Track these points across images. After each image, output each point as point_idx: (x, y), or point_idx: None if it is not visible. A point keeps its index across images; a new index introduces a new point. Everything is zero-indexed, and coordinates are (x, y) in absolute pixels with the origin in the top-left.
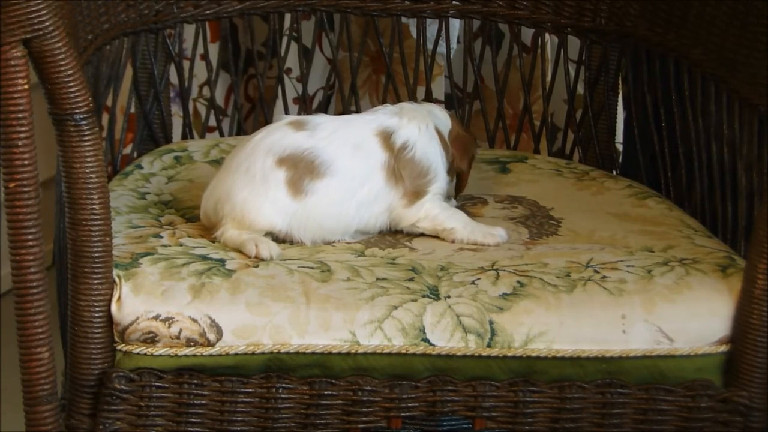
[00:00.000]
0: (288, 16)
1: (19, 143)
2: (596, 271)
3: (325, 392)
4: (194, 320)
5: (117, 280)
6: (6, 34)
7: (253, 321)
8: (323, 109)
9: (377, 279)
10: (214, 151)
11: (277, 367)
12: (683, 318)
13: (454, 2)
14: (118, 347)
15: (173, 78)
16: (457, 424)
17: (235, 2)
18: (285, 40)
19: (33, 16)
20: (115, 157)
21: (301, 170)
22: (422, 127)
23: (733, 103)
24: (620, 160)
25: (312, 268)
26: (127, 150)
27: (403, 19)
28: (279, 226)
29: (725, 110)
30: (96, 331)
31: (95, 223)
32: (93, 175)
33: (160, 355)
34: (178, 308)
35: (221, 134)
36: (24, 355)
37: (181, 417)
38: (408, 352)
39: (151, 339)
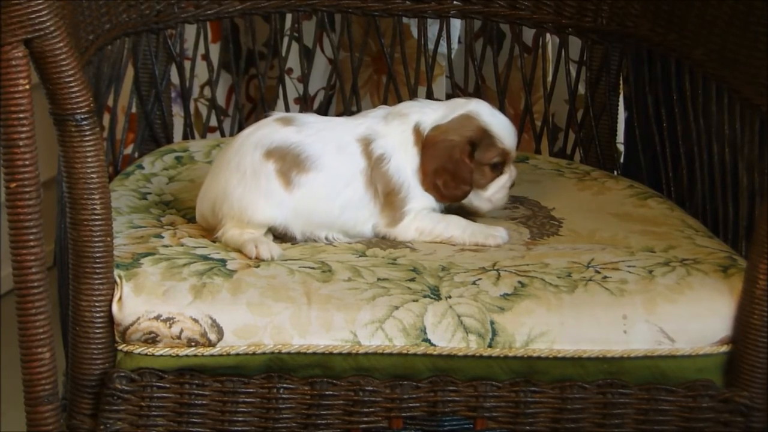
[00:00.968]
0: (289, 17)
1: (21, 143)
2: (597, 272)
3: (327, 392)
4: (195, 320)
5: (118, 280)
6: (7, 34)
7: (254, 321)
8: (324, 109)
9: (378, 279)
10: (215, 151)
11: (278, 368)
12: (684, 318)
13: (455, 2)
14: (119, 347)
15: (174, 78)
16: (458, 424)
17: (236, 2)
18: (286, 40)
19: (34, 16)
20: (117, 157)
21: (289, 162)
22: (403, 139)
23: (734, 103)
24: (621, 160)
25: (313, 268)
26: (129, 150)
27: (404, 20)
28: (278, 219)
29: (726, 110)
30: (97, 331)
31: (96, 223)
32: (94, 176)
33: (161, 356)
34: (179, 308)
35: (222, 134)
36: (25, 356)
37: (182, 417)
38: (409, 353)
39: (152, 339)
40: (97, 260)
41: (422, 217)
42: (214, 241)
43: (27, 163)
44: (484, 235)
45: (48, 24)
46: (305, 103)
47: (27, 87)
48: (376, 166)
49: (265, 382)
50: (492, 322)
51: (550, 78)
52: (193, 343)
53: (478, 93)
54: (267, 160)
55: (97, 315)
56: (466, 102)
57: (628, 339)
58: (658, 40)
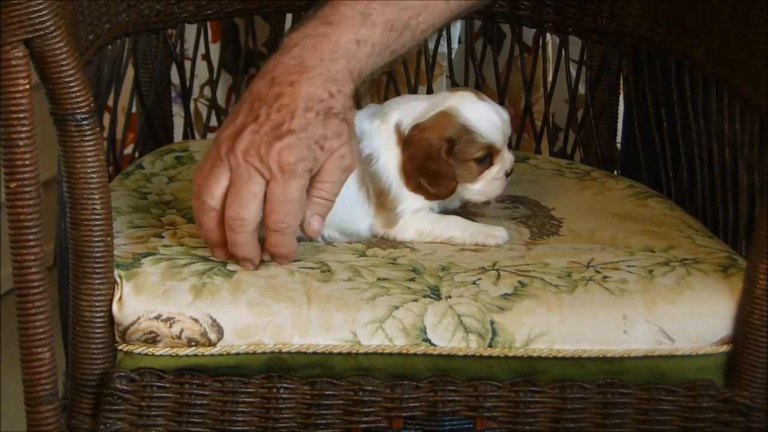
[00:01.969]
0: (289, 16)
1: (20, 143)
2: (597, 271)
3: (327, 392)
4: (195, 320)
5: (118, 280)
6: (7, 34)
7: (255, 321)
8: None
9: (378, 279)
10: None
11: (278, 367)
12: (684, 318)
13: None
14: (120, 347)
15: (174, 78)
16: (459, 424)
17: (236, 1)
18: None
19: (34, 16)
20: (117, 157)
21: None
22: (387, 138)
23: (735, 103)
24: (621, 160)
25: (313, 268)
26: (129, 150)
27: None
28: None
29: (726, 110)
30: (97, 331)
31: (96, 223)
32: (94, 175)
33: (162, 355)
34: (180, 308)
35: None
36: (25, 355)
37: (182, 417)
38: (409, 352)
39: (152, 339)
40: (97, 260)
41: (421, 219)
42: None
43: (27, 163)
44: (484, 235)
45: (48, 24)
46: None
47: (27, 87)
48: (365, 165)
49: (265, 382)
50: (492, 322)
51: (550, 78)
52: (193, 343)
53: None
54: None
55: (97, 315)
56: (448, 96)
57: (628, 339)
58: (659, 40)
